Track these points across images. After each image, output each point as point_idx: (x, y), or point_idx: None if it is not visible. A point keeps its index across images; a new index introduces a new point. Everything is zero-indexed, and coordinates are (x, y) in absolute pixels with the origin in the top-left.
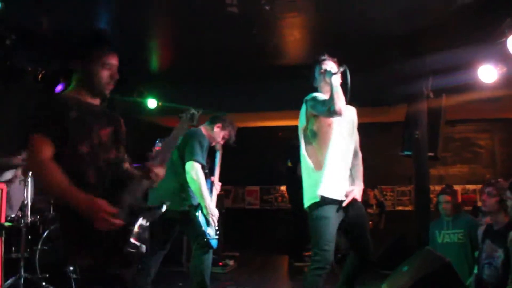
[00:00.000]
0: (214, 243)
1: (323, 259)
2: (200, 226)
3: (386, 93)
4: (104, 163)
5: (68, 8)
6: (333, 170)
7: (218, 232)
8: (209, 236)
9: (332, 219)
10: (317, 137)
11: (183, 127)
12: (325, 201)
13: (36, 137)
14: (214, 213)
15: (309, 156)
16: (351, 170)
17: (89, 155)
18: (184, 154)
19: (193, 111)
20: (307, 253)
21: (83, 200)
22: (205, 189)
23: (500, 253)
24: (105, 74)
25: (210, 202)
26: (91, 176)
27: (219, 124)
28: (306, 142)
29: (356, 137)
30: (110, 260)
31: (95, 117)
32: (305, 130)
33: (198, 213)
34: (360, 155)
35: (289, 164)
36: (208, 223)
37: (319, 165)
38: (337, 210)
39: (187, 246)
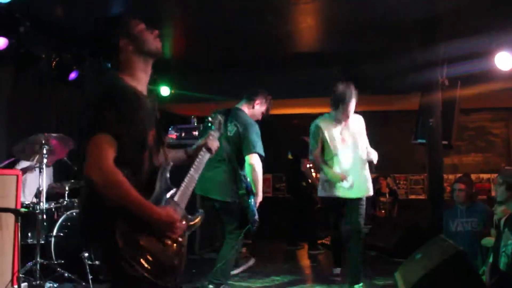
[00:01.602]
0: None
1: None
2: (254, 215)
3: (400, 81)
4: (153, 169)
5: None
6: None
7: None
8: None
9: None
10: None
11: (215, 138)
12: None
13: (101, 137)
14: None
15: None
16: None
17: (143, 161)
18: (241, 147)
19: (219, 118)
20: (320, 241)
21: (162, 212)
22: (261, 180)
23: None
24: (152, 39)
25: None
26: (143, 184)
27: (258, 101)
28: None
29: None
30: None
31: (147, 113)
32: None
33: (251, 201)
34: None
35: (290, 156)
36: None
37: None
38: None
39: (200, 235)
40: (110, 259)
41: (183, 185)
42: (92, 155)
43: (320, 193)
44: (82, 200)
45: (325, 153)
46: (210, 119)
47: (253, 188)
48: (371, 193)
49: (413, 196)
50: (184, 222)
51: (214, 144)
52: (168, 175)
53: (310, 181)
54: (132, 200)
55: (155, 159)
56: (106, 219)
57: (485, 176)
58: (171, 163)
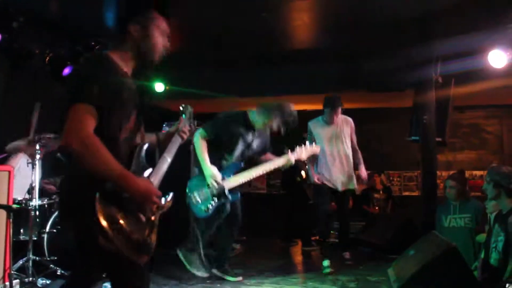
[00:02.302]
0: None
1: None
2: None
3: (395, 78)
4: (129, 149)
5: None
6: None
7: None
8: None
9: None
10: None
11: (186, 125)
12: None
13: (83, 106)
14: None
15: None
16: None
17: (121, 140)
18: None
19: (189, 108)
20: (314, 238)
21: (141, 183)
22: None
23: (502, 237)
24: (161, 40)
25: None
26: (120, 160)
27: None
28: None
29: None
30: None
31: (130, 94)
32: None
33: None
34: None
35: (285, 151)
36: None
37: None
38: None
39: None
40: (85, 232)
41: (158, 166)
42: (72, 122)
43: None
44: (63, 173)
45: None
46: (181, 108)
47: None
48: (354, 186)
49: (406, 193)
50: (158, 196)
51: (186, 131)
52: (143, 154)
53: (303, 175)
54: (111, 167)
55: (133, 138)
56: (84, 191)
57: (478, 173)
58: (147, 144)
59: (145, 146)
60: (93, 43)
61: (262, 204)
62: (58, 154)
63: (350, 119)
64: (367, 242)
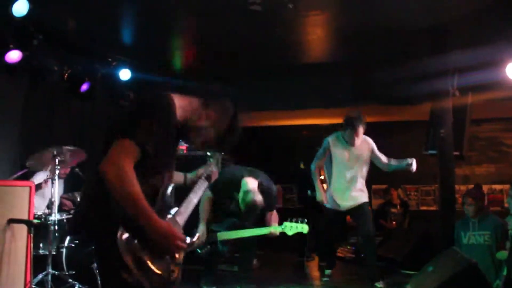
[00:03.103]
0: None
1: None
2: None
3: (411, 91)
4: (157, 188)
5: (93, 9)
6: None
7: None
8: None
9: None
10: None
11: (214, 169)
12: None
13: (129, 143)
14: None
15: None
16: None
17: (151, 177)
18: None
19: (218, 155)
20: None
21: (163, 226)
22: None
23: None
24: (210, 138)
25: None
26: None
27: None
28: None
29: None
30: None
31: (174, 138)
32: None
33: None
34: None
35: (302, 166)
36: None
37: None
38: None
39: None
40: (108, 264)
41: (182, 206)
42: (113, 153)
43: (326, 204)
44: (89, 196)
45: (331, 167)
46: (209, 153)
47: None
48: (365, 199)
49: (424, 207)
50: (182, 240)
51: (214, 174)
52: (169, 193)
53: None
54: (137, 204)
55: (164, 178)
56: (109, 222)
57: (497, 187)
58: (173, 184)
59: (171, 187)
60: (110, 60)
61: (278, 219)
62: (76, 170)
63: (369, 140)
64: (384, 257)
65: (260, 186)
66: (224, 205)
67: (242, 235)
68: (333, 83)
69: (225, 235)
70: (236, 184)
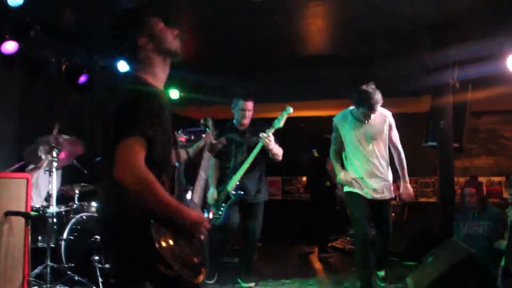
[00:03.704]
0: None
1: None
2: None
3: (411, 84)
4: (170, 170)
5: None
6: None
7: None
8: None
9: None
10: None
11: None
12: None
13: (134, 140)
14: None
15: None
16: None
17: (163, 161)
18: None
19: (210, 120)
20: (330, 244)
21: (192, 214)
22: None
23: None
24: (170, 35)
25: None
26: (168, 185)
27: None
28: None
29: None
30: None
31: (169, 113)
32: None
33: None
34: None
35: (316, 154)
36: None
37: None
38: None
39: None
40: (143, 260)
41: (196, 185)
42: (124, 158)
43: (346, 188)
44: (110, 202)
45: (344, 151)
46: (202, 121)
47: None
48: (390, 195)
49: (423, 199)
50: (207, 221)
51: (216, 145)
52: (182, 175)
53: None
54: (165, 201)
55: (173, 159)
56: (137, 219)
57: (496, 179)
58: (182, 161)
59: (182, 167)
60: (108, 51)
61: (277, 211)
62: (74, 161)
63: (386, 112)
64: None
65: (255, 125)
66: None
67: (246, 165)
68: (332, 75)
69: (232, 181)
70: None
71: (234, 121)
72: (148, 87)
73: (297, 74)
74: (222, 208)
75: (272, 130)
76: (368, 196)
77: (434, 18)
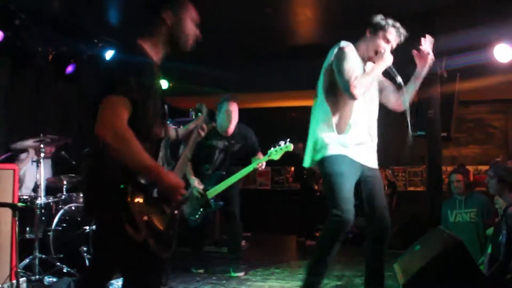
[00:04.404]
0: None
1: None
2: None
3: (399, 73)
4: (154, 140)
5: None
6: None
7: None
8: None
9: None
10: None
11: (204, 122)
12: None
13: (118, 99)
14: None
15: (332, 112)
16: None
17: (148, 130)
18: None
19: (204, 106)
20: (317, 233)
21: (171, 177)
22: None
23: (504, 232)
24: (193, 28)
25: None
26: (151, 156)
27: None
28: (330, 94)
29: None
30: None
31: (159, 86)
32: (329, 78)
33: None
34: None
35: (299, 144)
36: None
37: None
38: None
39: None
40: (112, 223)
41: (178, 161)
42: (106, 114)
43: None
44: (89, 163)
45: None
46: (197, 106)
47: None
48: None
49: (411, 188)
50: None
51: (205, 128)
52: (167, 148)
53: (311, 169)
54: (144, 160)
55: (159, 131)
56: (114, 182)
57: (483, 168)
58: (170, 137)
59: (169, 141)
60: (96, 41)
61: (267, 201)
62: (63, 152)
63: None
64: None
65: (240, 130)
66: (204, 158)
67: (232, 181)
68: (322, 66)
69: (215, 190)
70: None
71: (218, 127)
72: (143, 53)
73: (286, 64)
74: (199, 213)
75: (267, 159)
76: (360, 169)
77: (422, 7)
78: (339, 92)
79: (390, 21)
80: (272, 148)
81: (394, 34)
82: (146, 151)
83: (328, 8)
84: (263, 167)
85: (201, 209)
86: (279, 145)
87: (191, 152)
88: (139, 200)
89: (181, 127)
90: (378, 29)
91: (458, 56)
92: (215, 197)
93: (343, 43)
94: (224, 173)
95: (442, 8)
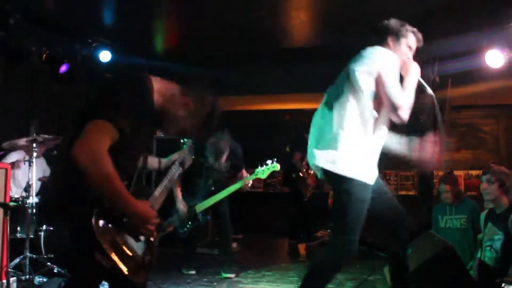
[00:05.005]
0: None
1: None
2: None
3: None
4: (131, 173)
5: None
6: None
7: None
8: None
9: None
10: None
11: (188, 156)
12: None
13: (106, 125)
14: None
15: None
16: None
17: (127, 163)
18: None
19: (190, 142)
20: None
21: (137, 205)
22: None
23: (500, 236)
24: (185, 125)
25: None
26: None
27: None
28: (353, 95)
29: None
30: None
31: (151, 121)
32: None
33: None
34: None
35: (287, 149)
36: None
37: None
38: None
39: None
40: (83, 247)
41: (157, 190)
42: (87, 136)
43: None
44: (59, 178)
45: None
46: (182, 141)
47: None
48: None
49: (403, 192)
50: (155, 221)
51: (187, 161)
52: (143, 178)
53: (300, 174)
54: (114, 187)
55: (139, 162)
56: (83, 204)
57: (474, 172)
58: (148, 168)
59: (145, 171)
60: (90, 41)
61: (259, 203)
62: (55, 152)
63: None
64: (363, 241)
65: (230, 148)
66: (193, 174)
67: (219, 197)
68: (316, 68)
69: (203, 205)
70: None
71: (210, 160)
72: (147, 85)
73: (280, 67)
74: (187, 226)
75: (253, 178)
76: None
77: (414, 13)
78: (377, 104)
79: (408, 26)
80: (259, 167)
81: (414, 39)
82: (121, 178)
83: (323, 12)
84: (250, 185)
85: (189, 223)
86: (267, 164)
87: (171, 184)
88: (108, 225)
89: (163, 160)
90: (400, 37)
91: (450, 61)
92: (203, 211)
93: (388, 51)
94: (213, 188)
95: (434, 14)
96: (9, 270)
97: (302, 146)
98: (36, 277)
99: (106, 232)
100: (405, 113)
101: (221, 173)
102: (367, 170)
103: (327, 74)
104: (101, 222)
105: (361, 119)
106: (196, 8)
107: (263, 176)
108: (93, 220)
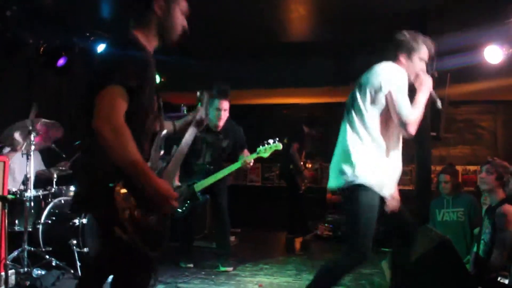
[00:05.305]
0: None
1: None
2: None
3: None
4: (150, 134)
5: None
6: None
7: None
8: None
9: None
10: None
11: (203, 114)
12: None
13: (115, 89)
14: None
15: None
16: None
17: (148, 125)
18: None
19: (206, 95)
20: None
21: (159, 184)
22: None
23: (490, 229)
24: (181, 20)
25: None
26: (145, 150)
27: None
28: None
29: None
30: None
31: (154, 77)
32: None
33: None
34: None
35: (285, 141)
36: None
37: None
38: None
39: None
40: (103, 222)
41: (174, 156)
42: (104, 107)
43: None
44: (83, 158)
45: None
46: (198, 95)
47: None
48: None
49: (400, 187)
50: (176, 199)
51: (203, 121)
52: (162, 142)
53: (297, 164)
54: (136, 163)
55: (155, 124)
56: (104, 179)
57: (472, 168)
58: (165, 131)
59: (164, 134)
60: (88, 34)
61: (257, 197)
62: (53, 145)
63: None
64: None
65: (229, 127)
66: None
67: (219, 176)
68: (314, 63)
69: (202, 184)
70: None
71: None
72: (139, 43)
73: (278, 61)
74: (186, 205)
75: (255, 156)
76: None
77: (413, 8)
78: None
79: (420, 39)
80: (261, 146)
81: (426, 51)
82: (141, 145)
83: (322, 6)
84: (251, 164)
85: (188, 202)
86: (268, 143)
87: (187, 146)
88: (128, 197)
89: (177, 122)
90: (412, 52)
91: (449, 57)
92: (202, 190)
93: (399, 68)
94: (212, 167)
95: (433, 10)
96: (8, 263)
97: (300, 138)
98: (34, 269)
99: (127, 205)
100: (413, 129)
101: (218, 149)
102: (386, 182)
103: (324, 69)
104: (123, 196)
105: (376, 134)
106: (194, 1)
107: (265, 155)
108: (115, 194)
